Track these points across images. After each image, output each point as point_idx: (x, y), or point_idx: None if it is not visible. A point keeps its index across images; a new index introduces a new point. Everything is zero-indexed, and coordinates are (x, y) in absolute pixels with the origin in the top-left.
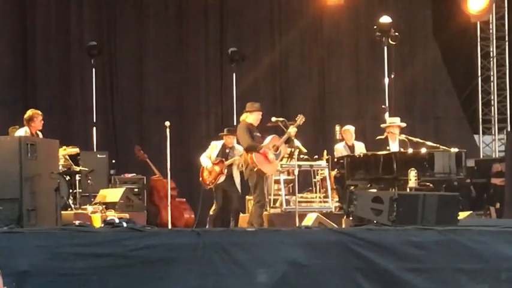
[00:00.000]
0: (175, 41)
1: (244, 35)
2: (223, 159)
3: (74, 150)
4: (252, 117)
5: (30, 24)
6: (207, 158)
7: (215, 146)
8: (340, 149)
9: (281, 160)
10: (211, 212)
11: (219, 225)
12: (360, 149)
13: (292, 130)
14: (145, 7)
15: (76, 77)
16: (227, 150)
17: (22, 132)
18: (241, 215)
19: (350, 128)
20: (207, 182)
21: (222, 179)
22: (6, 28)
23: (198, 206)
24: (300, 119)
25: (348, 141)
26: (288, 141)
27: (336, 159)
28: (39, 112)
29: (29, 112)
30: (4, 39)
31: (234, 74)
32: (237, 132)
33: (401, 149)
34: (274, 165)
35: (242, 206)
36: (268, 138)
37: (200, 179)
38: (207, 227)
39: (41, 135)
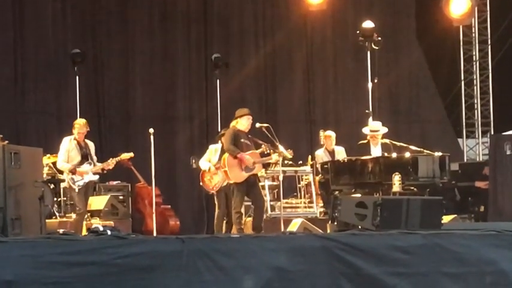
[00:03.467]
0: (160, 47)
1: (228, 41)
2: None
3: None
4: (241, 122)
5: (17, 34)
6: (207, 162)
7: (215, 150)
8: (320, 155)
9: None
10: (216, 218)
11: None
12: (340, 153)
13: (275, 158)
14: (129, 14)
15: (61, 85)
16: None
17: (68, 139)
18: None
19: (331, 134)
20: (211, 187)
21: (225, 182)
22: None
23: (204, 212)
24: (290, 153)
25: (328, 146)
26: (267, 166)
27: (320, 165)
28: (81, 123)
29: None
30: None
31: (218, 80)
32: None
33: (385, 153)
34: (242, 175)
35: None
36: (247, 153)
37: (201, 183)
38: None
39: (89, 143)
